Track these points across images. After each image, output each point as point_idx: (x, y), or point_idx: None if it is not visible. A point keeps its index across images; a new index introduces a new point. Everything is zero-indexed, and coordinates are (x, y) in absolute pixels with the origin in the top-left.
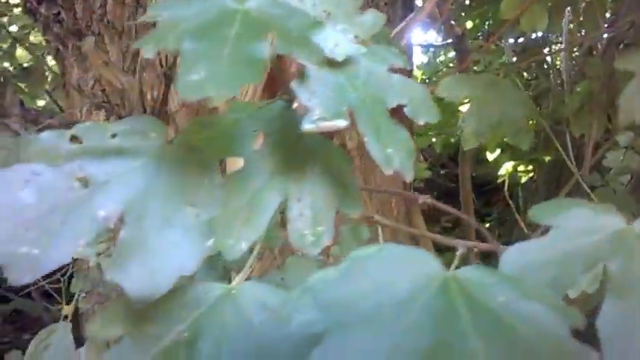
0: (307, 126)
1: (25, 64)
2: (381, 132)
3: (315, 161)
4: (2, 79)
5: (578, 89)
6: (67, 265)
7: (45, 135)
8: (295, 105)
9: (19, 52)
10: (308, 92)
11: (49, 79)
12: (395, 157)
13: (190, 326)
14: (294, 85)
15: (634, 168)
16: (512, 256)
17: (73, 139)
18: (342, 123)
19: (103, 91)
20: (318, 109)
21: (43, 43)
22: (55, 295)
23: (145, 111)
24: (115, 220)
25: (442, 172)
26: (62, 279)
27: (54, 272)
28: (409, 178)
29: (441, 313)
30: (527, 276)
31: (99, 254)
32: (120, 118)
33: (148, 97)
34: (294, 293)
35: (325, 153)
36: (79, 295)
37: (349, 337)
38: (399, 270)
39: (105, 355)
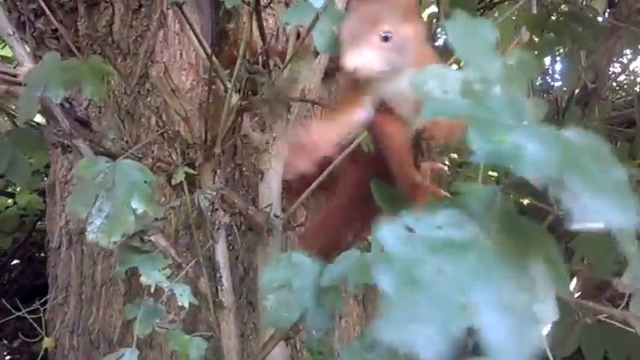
0: None
1: None
2: None
3: None
4: None
5: None
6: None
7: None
8: None
9: None
10: None
11: None
12: None
13: None
14: None
15: None
16: None
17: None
18: None
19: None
20: None
21: None
22: (35, 324)
23: (206, 139)
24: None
25: None
26: (41, 309)
27: (33, 301)
28: None
29: None
30: None
31: None
32: (184, 146)
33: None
34: None
35: None
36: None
37: None
38: None
39: None
